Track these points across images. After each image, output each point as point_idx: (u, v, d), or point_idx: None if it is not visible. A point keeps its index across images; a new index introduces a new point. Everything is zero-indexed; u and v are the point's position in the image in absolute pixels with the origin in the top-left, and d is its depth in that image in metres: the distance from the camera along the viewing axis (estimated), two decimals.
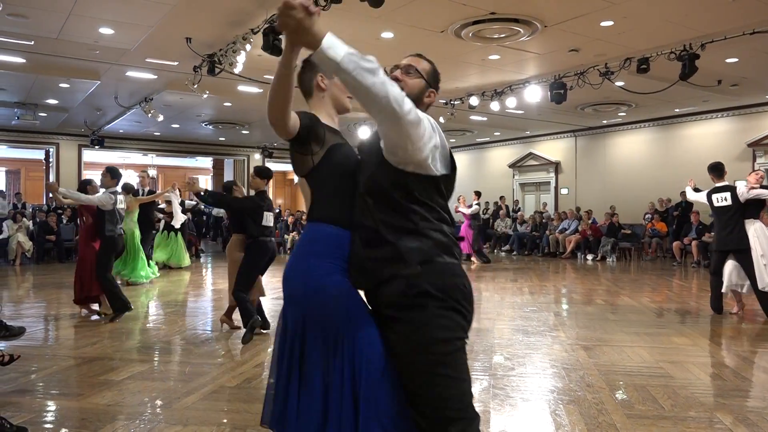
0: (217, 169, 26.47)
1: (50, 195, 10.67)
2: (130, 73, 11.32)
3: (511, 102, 12.31)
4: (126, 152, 22.28)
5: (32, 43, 9.42)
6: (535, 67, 10.79)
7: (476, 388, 4.12)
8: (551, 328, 6.24)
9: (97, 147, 18.25)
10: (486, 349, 5.31)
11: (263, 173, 5.78)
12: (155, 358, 5.03)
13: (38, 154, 22.08)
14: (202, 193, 5.52)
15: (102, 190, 6.94)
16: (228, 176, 24.37)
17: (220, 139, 20.79)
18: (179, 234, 12.35)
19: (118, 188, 7.03)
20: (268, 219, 5.71)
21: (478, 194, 15.09)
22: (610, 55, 9.73)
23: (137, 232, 9.50)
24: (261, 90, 12.47)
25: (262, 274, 5.88)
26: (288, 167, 29.86)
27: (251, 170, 6.22)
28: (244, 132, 18.90)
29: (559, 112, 14.75)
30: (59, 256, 14.13)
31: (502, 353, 5.14)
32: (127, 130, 18.51)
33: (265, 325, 6.10)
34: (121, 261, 9.32)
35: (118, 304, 6.67)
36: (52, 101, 13.97)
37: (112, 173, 6.78)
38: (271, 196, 8.50)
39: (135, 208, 9.47)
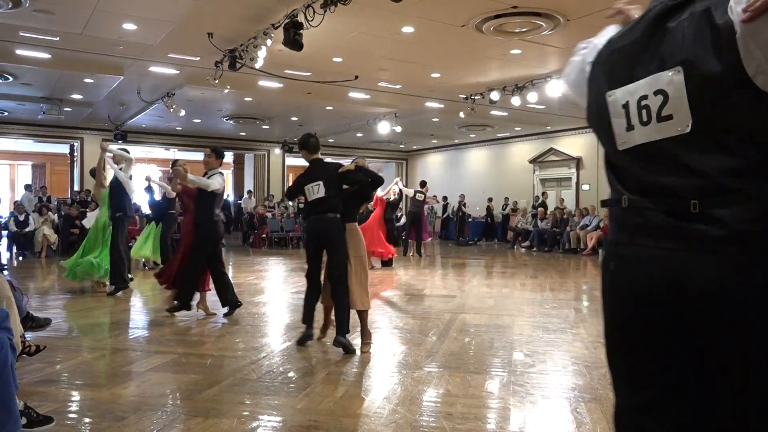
0: (238, 164, 26.64)
1: (151, 178, 10.66)
2: (153, 69, 11.44)
3: (532, 97, 12.20)
4: (148, 146, 22.50)
5: (57, 39, 9.56)
6: (557, 62, 10.68)
7: (495, 385, 4.10)
8: (572, 325, 6.19)
9: (120, 141, 18.46)
10: (506, 345, 5.29)
11: (218, 153, 6.37)
12: (177, 351, 5.09)
13: (63, 149, 22.43)
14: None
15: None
16: (248, 170, 24.51)
17: (241, 133, 20.92)
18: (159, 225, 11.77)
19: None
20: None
21: (423, 184, 15.09)
22: None
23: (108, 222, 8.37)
24: (281, 85, 12.51)
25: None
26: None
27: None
28: (264, 127, 18.99)
29: (581, 108, 14.56)
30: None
31: (522, 350, 5.11)
32: (150, 125, 18.71)
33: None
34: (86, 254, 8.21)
35: (230, 301, 6.54)
36: (76, 96, 14.17)
37: (216, 153, 6.35)
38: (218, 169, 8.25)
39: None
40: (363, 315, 5.05)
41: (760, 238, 1.17)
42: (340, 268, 4.91)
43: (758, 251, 1.16)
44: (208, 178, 6.29)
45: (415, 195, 14.27)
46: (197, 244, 6.30)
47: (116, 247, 8.03)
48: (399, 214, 18.60)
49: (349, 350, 4.87)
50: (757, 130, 1.17)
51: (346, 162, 5.38)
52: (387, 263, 11.70)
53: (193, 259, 6.30)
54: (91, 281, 8.27)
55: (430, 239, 15.22)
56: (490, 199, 20.45)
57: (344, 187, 5.05)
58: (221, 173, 6.37)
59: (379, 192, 11.65)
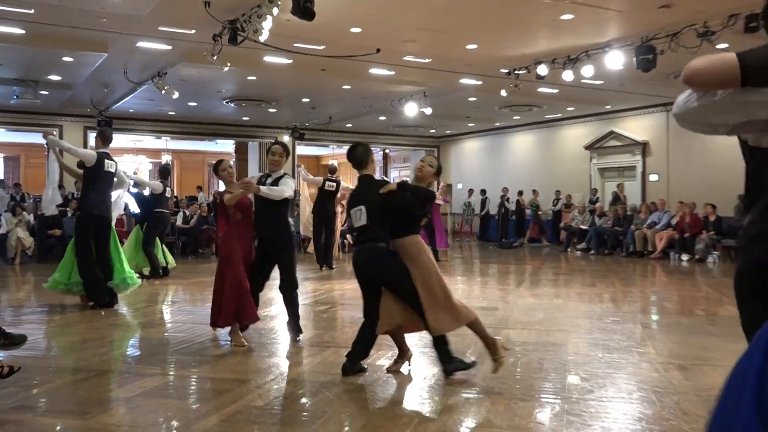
0: (240, 153, 26.83)
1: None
2: (142, 44, 11.59)
3: (587, 71, 12.09)
4: (137, 135, 22.83)
5: (32, 11, 9.74)
6: (617, 28, 10.55)
7: (546, 414, 4.07)
8: (638, 343, 6.13)
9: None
10: (558, 367, 5.25)
11: (287, 150, 6.33)
12: (170, 372, 5.15)
13: (39, 138, 22.85)
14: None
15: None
16: (252, 161, 24.72)
17: (244, 118, 21.10)
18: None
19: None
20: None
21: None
22: (710, 11, 9.42)
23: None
24: (290, 61, 12.58)
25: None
26: (322, 151, 30.16)
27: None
28: (270, 110, 19.13)
29: (647, 82, 14.41)
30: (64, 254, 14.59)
31: (578, 372, 5.07)
32: (138, 110, 18.98)
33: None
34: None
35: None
36: (54, 77, 14.42)
37: (286, 150, 6.28)
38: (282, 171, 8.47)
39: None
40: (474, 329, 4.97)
41: None
42: (406, 295, 4.87)
43: None
44: (276, 183, 6.04)
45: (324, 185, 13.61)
46: (285, 263, 6.08)
47: (80, 257, 8.07)
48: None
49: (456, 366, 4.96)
50: None
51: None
52: None
53: (289, 280, 6.12)
54: (80, 294, 8.38)
55: (448, 247, 15.06)
56: (520, 193, 20.28)
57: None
58: (289, 175, 6.24)
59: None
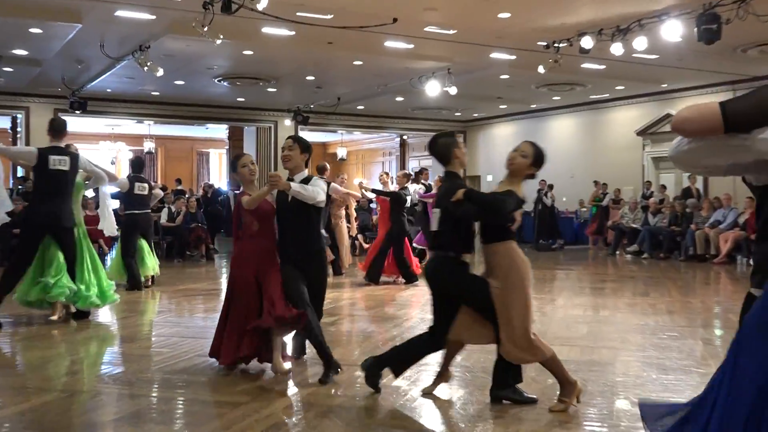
0: (234, 139, 26.95)
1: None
2: (121, 13, 11.64)
3: (640, 43, 12.01)
4: (115, 119, 22.97)
5: None
6: None
7: None
8: (699, 362, 6.10)
9: (78, 112, 18.87)
10: (605, 390, 5.23)
11: (303, 145, 5.86)
12: (152, 394, 5.18)
13: (3, 122, 23.06)
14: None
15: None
16: (248, 149, 24.79)
17: (239, 99, 21.17)
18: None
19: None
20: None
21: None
22: None
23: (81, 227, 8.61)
24: (293, 32, 12.60)
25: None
26: (329, 138, 30.20)
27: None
28: (270, 90, 19.18)
29: (710, 57, 14.29)
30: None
31: (628, 396, 5.05)
32: (117, 90, 19.10)
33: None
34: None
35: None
36: (19, 52, 14.53)
37: (301, 145, 5.89)
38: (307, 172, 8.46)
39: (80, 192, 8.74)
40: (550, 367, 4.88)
41: None
42: (482, 310, 4.87)
43: None
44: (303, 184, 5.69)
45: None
46: (314, 289, 5.70)
47: (7, 268, 8.11)
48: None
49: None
50: None
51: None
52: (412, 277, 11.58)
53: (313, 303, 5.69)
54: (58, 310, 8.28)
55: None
56: (550, 186, 20.06)
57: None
58: (321, 178, 6.03)
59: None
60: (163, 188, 12.91)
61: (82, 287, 8.06)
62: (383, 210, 12.02)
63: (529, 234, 20.70)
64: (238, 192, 5.96)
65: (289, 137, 5.94)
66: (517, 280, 4.79)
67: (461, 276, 4.95)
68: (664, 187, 18.81)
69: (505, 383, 4.91)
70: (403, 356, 5.12)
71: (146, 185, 11.21)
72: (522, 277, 4.81)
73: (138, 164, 11.48)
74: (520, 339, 4.71)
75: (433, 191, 14.14)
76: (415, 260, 12.04)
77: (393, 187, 12.31)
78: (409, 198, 12.06)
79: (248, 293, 5.60)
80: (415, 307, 9.24)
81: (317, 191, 5.53)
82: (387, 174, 13.15)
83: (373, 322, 8.37)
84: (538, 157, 4.92)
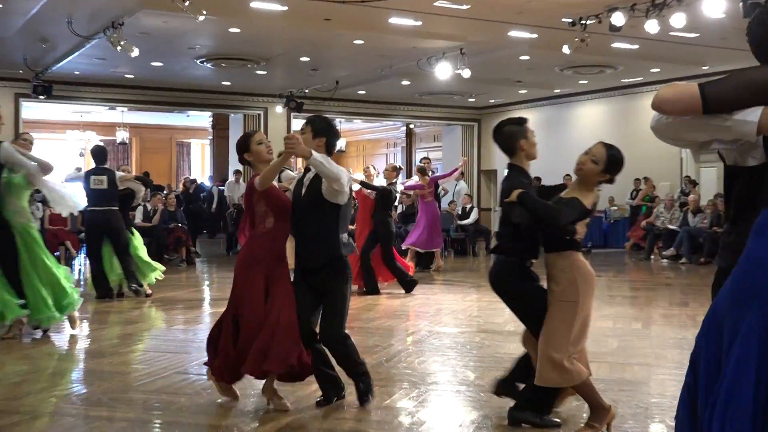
0: (219, 128, 26.97)
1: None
2: None
3: (678, 20, 11.99)
4: (84, 105, 22.97)
5: None
6: None
7: None
8: None
9: (42, 97, 18.87)
10: (637, 412, 5.22)
11: (317, 126, 5.46)
12: (127, 415, 5.17)
13: None
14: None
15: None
16: (235, 136, 24.74)
17: (224, 83, 21.18)
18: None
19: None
20: None
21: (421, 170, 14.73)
22: None
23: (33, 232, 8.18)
24: (285, 8, 12.59)
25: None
26: None
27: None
28: (259, 73, 19.17)
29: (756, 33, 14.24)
30: None
31: (664, 420, 5.04)
32: (86, 72, 19.10)
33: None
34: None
35: None
36: None
37: (315, 127, 5.52)
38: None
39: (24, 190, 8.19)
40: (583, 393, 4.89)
41: None
42: (530, 325, 4.97)
43: None
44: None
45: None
46: (332, 299, 5.26)
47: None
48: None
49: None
50: None
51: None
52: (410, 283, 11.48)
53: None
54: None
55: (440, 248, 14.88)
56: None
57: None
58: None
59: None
60: (145, 180, 12.00)
61: (34, 302, 7.67)
62: (364, 208, 11.68)
63: None
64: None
65: (310, 119, 5.54)
66: (573, 295, 4.76)
67: (521, 286, 4.96)
68: (693, 182, 18.63)
69: (529, 405, 4.89)
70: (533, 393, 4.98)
71: (104, 178, 10.75)
72: (580, 294, 4.78)
73: (101, 154, 11.22)
74: (556, 358, 4.69)
75: (416, 181, 14.14)
76: (409, 264, 11.87)
77: (377, 182, 12.26)
78: (398, 195, 12.00)
79: (259, 302, 5.20)
80: (422, 318, 9.24)
81: (341, 173, 5.01)
82: (373, 167, 13.02)
83: (374, 335, 8.35)
84: (612, 163, 4.86)
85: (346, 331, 5.21)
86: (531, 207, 4.70)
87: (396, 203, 12.23)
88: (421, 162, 15.53)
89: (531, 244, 4.94)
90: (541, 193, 4.97)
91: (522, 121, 5.15)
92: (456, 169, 14.57)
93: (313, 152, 4.90)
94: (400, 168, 13.66)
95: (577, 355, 4.79)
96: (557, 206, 4.73)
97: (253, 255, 5.28)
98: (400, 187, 13.08)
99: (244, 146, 5.39)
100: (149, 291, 10.76)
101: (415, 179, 14.82)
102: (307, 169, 5.34)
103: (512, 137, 5.02)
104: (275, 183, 5.42)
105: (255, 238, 5.32)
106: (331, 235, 5.19)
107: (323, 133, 5.26)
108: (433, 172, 14.80)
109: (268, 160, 5.32)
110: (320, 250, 5.22)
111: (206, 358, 5.99)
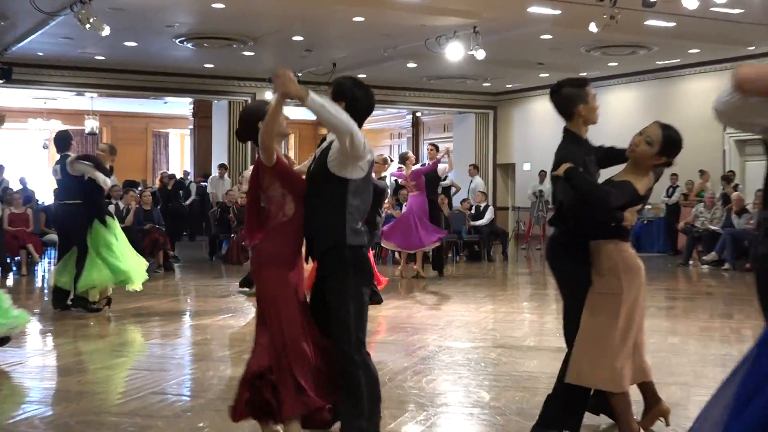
0: (200, 116, 26.96)
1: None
2: None
3: None
4: (48, 90, 22.90)
5: None
6: None
7: None
8: None
9: (0, 81, 18.88)
10: None
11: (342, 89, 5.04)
12: None
13: None
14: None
15: None
16: (219, 128, 24.80)
17: (206, 66, 21.18)
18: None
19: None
20: None
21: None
22: None
23: None
24: None
25: None
26: None
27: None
28: (246, 54, 19.18)
29: None
30: None
31: None
32: (51, 53, 19.11)
33: None
34: None
35: None
36: None
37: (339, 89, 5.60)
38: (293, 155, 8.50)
39: None
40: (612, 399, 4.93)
41: None
42: (566, 315, 5.06)
43: None
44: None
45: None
46: (334, 291, 4.66)
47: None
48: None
49: None
50: None
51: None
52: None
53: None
54: None
55: (435, 243, 14.41)
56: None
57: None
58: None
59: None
60: (98, 162, 11.16)
61: None
62: None
63: None
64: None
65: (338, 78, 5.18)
66: (616, 287, 4.80)
67: (576, 269, 4.96)
68: (728, 179, 18.54)
69: (552, 421, 4.90)
70: (563, 405, 5.01)
71: (58, 167, 10.48)
72: (623, 286, 4.80)
73: (63, 140, 10.80)
74: (603, 359, 4.71)
75: (398, 169, 14.03)
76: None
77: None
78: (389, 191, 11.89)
79: (297, 307, 4.67)
80: (431, 332, 9.23)
81: (353, 126, 4.41)
82: (390, 158, 12.98)
83: (376, 350, 8.35)
84: (668, 145, 4.91)
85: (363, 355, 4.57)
86: (577, 185, 4.74)
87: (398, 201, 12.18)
88: (428, 148, 15.41)
89: (577, 224, 4.96)
90: (602, 160, 5.10)
91: (582, 83, 5.17)
92: (437, 161, 14.35)
93: (312, 93, 4.35)
94: (390, 160, 13.53)
95: (626, 361, 4.81)
96: (606, 188, 4.77)
97: (280, 253, 4.67)
98: (389, 181, 12.90)
99: (258, 114, 4.83)
100: (101, 304, 10.41)
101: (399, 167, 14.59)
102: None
103: (570, 101, 5.05)
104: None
105: (274, 232, 4.71)
106: (333, 217, 4.58)
107: (342, 95, 4.70)
108: (425, 164, 14.60)
109: (287, 133, 5.00)
110: (321, 237, 4.65)
111: (187, 376, 6.02)
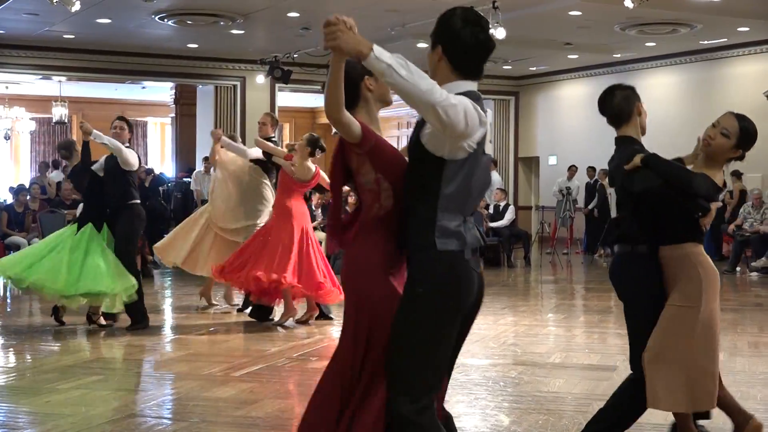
0: (183, 103, 26.95)
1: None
2: None
3: None
4: (10, 72, 22.94)
5: None
6: None
7: None
8: None
9: None
10: None
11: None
12: None
13: None
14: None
15: None
16: (203, 116, 24.85)
17: (190, 46, 21.22)
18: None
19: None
20: None
21: None
22: None
23: None
24: None
25: None
26: (320, 101, 30.08)
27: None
28: (234, 32, 19.22)
29: None
30: None
31: None
32: (13, 32, 19.17)
33: None
34: None
35: None
36: None
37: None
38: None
39: None
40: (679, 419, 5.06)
41: None
42: (632, 329, 5.09)
43: None
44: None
45: None
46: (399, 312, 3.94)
47: None
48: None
49: None
50: None
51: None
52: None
53: None
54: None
55: None
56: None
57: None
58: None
59: None
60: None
61: None
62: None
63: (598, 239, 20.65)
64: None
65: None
66: (694, 299, 4.88)
67: (648, 280, 5.00)
68: (738, 175, 18.53)
69: None
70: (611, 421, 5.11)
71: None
72: (702, 297, 4.88)
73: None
74: (703, 377, 4.76)
75: None
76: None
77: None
78: None
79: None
80: (475, 348, 9.25)
81: (438, 95, 3.68)
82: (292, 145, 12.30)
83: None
84: (745, 137, 5.01)
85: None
86: (661, 169, 4.81)
87: None
88: None
89: (665, 224, 4.98)
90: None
91: (630, 88, 5.23)
92: None
93: (377, 48, 3.75)
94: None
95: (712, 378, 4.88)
96: (691, 172, 4.86)
97: (382, 257, 4.08)
98: None
99: (361, 72, 4.25)
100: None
101: None
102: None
103: (628, 101, 5.12)
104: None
105: (370, 229, 4.12)
106: (420, 209, 3.89)
107: (439, 36, 4.32)
108: None
109: (385, 101, 4.43)
110: (409, 234, 3.96)
111: (168, 397, 6.05)
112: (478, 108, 3.80)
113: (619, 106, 5.12)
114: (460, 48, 4.08)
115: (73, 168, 10.92)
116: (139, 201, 10.47)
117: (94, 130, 10.09)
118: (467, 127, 3.64)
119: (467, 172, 3.81)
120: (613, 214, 20.57)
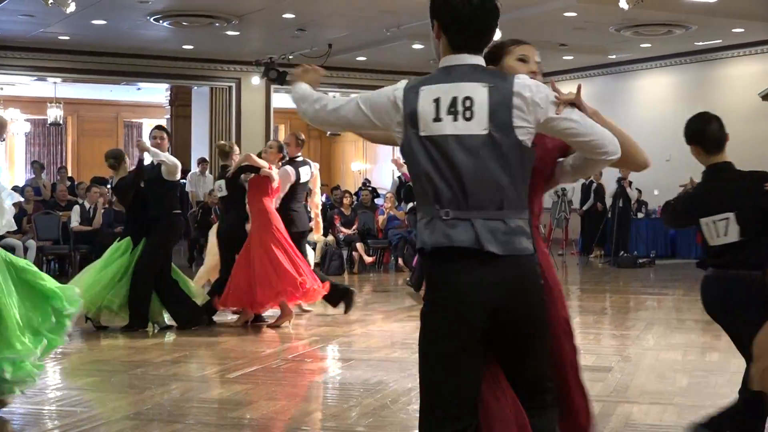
0: (179, 105, 26.91)
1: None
2: None
3: None
4: (5, 74, 22.87)
5: None
6: None
7: None
8: None
9: None
10: None
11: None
12: None
13: None
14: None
15: None
16: (199, 118, 24.80)
17: (185, 47, 21.20)
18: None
19: None
20: None
21: None
22: None
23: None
24: None
25: None
26: None
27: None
28: (230, 34, 19.20)
29: None
30: None
31: None
32: (8, 33, 19.11)
33: None
34: None
35: None
36: None
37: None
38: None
39: None
40: None
41: None
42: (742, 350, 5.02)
43: None
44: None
45: None
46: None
47: None
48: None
49: None
50: None
51: None
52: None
53: None
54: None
55: None
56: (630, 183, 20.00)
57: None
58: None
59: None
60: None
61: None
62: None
63: (607, 244, 20.62)
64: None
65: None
66: None
67: (754, 306, 4.91)
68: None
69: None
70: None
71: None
72: None
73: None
74: None
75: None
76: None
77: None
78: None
79: None
80: None
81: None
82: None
83: (377, 369, 8.35)
84: None
85: None
86: None
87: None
88: None
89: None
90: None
91: (718, 118, 5.30)
92: None
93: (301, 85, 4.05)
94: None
95: None
96: None
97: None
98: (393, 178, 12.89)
99: (497, 53, 4.26)
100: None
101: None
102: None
103: (723, 128, 5.20)
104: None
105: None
106: (513, 206, 3.49)
107: (435, 11, 4.03)
108: None
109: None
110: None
111: (164, 398, 6.03)
112: (391, 91, 3.71)
113: (717, 136, 5.17)
114: (455, 19, 3.80)
115: (120, 180, 10.88)
116: (180, 211, 11.04)
117: (152, 148, 10.49)
118: (356, 117, 3.69)
119: (413, 161, 3.47)
120: (612, 215, 20.59)
